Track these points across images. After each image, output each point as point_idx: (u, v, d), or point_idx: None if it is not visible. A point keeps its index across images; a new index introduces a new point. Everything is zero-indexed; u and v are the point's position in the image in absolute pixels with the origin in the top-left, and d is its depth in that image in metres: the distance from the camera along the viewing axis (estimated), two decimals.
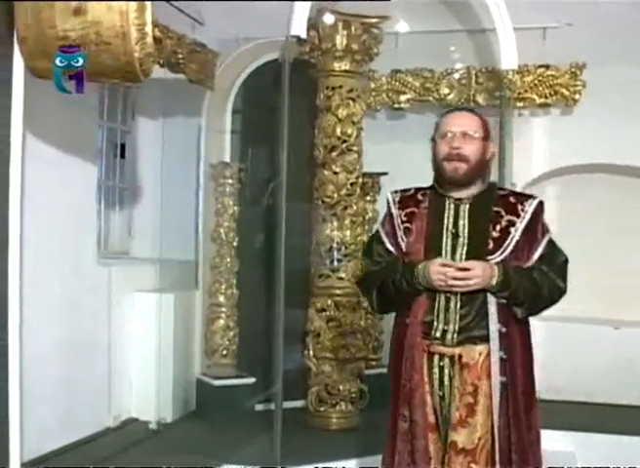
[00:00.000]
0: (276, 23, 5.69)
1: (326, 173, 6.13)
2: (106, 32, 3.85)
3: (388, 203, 3.41)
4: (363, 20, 6.10)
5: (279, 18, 5.62)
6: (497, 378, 3.11)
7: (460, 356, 3.16)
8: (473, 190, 3.22)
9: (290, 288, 5.47)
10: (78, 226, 5.73)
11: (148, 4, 3.82)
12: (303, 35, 5.46)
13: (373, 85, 6.82)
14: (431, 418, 3.23)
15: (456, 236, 3.18)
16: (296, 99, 5.61)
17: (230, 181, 6.69)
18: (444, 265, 3.07)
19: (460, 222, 3.19)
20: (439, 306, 3.17)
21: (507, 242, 3.15)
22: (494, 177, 6.37)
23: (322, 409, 6.16)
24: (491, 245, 3.13)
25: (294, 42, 5.60)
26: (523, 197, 3.28)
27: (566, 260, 3.28)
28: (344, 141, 6.10)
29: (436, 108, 6.78)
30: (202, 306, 6.85)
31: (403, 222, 3.29)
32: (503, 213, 3.18)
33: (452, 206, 3.22)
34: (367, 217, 6.71)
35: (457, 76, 6.77)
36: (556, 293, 3.22)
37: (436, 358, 3.20)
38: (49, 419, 5.17)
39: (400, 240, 3.28)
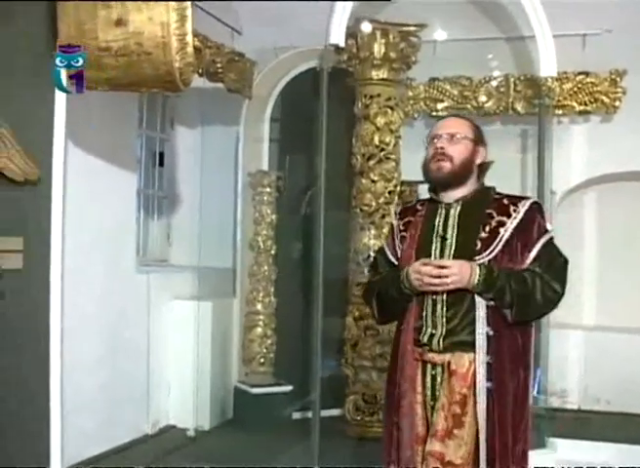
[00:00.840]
0: (314, 32, 5.70)
1: (364, 181, 6.13)
2: (147, 42, 3.90)
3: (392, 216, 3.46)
4: (401, 29, 6.09)
5: (317, 26, 5.63)
6: (482, 384, 3.01)
7: (450, 363, 3.07)
8: (463, 192, 3.18)
9: (327, 296, 5.47)
10: (118, 234, 5.78)
11: (189, 15, 3.85)
12: (342, 44, 5.47)
13: (410, 93, 6.81)
14: (421, 429, 3.13)
15: (444, 239, 3.14)
16: (334, 108, 5.62)
17: (268, 190, 6.73)
18: (424, 264, 3.04)
19: (449, 225, 3.16)
20: (427, 310, 3.12)
21: (496, 242, 3.07)
22: (532, 185, 6.50)
23: (359, 417, 6.14)
24: (478, 245, 3.07)
25: (332, 50, 5.61)
26: (517, 198, 3.20)
27: (565, 262, 3.16)
28: (382, 150, 6.10)
29: (474, 116, 6.75)
30: (240, 314, 6.87)
31: (400, 231, 3.30)
32: (495, 214, 3.12)
33: (443, 211, 3.20)
34: None
35: (495, 84, 6.74)
36: (552, 297, 3.09)
37: (429, 367, 3.13)
38: (89, 425, 5.21)
39: (397, 248, 3.30)
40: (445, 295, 3.07)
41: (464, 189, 3.18)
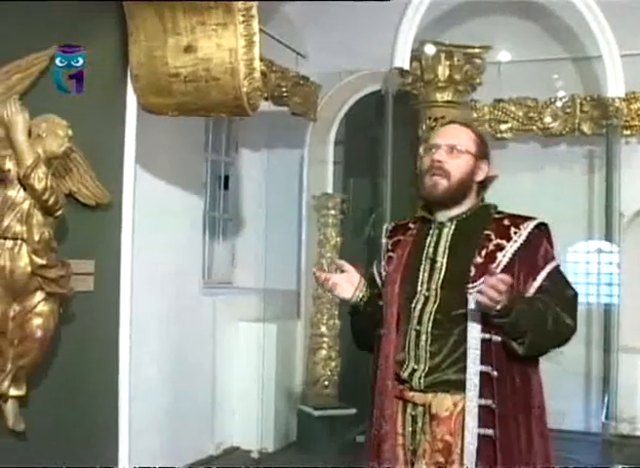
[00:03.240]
0: (377, 55, 5.74)
1: None
2: (216, 68, 3.98)
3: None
4: (465, 51, 6.07)
5: (381, 50, 5.67)
6: (473, 432, 2.59)
7: (430, 405, 2.66)
8: (459, 210, 2.79)
9: None
10: (185, 257, 5.84)
11: (257, 41, 3.90)
12: (406, 67, 5.50)
13: (475, 115, 6.76)
14: None
15: (433, 262, 2.75)
16: (398, 130, 5.63)
17: (333, 212, 6.74)
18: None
19: (440, 247, 2.77)
20: (409, 341, 2.71)
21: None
22: (599, 207, 6.41)
23: None
24: (473, 271, 2.64)
25: (396, 73, 5.62)
26: (520, 219, 2.76)
27: (575, 295, 2.75)
28: None
29: (540, 138, 6.70)
30: (304, 336, 6.88)
31: (388, 251, 2.92)
32: (493, 236, 2.70)
33: (435, 231, 2.80)
34: None
35: (560, 104, 6.66)
36: (564, 331, 2.67)
37: (409, 406, 2.72)
38: (155, 446, 5.25)
39: (383, 270, 2.91)
40: (429, 326, 2.67)
41: (461, 207, 2.78)
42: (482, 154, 2.82)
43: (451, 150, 2.74)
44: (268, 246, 6.56)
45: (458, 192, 2.76)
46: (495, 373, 2.59)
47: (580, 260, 7.09)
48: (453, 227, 2.78)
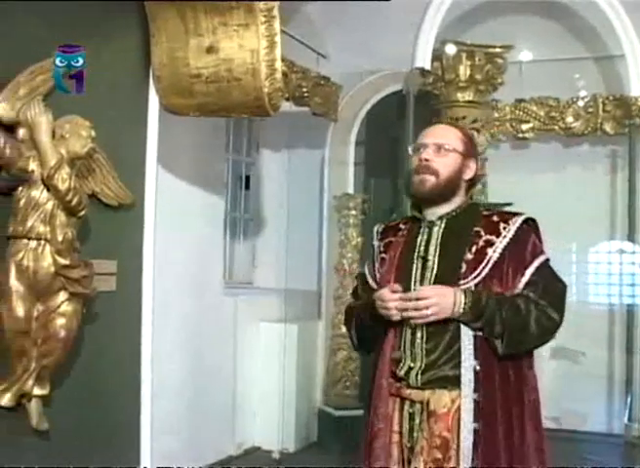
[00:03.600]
0: (398, 55, 5.73)
1: None
2: (237, 69, 3.99)
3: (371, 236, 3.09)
4: (487, 50, 6.05)
5: (401, 50, 5.66)
6: (469, 427, 2.63)
7: (429, 402, 2.70)
8: (448, 209, 2.83)
9: None
10: (206, 257, 5.87)
11: (278, 41, 3.91)
12: (428, 67, 5.49)
13: (496, 114, 6.73)
14: None
15: (425, 261, 2.78)
16: (419, 130, 5.57)
17: (354, 213, 6.74)
18: (393, 291, 2.68)
19: (432, 246, 2.80)
20: (405, 340, 2.75)
21: (483, 264, 2.71)
22: (622, 207, 6.36)
23: None
24: (464, 268, 2.71)
25: (417, 73, 5.61)
26: (508, 215, 2.84)
27: (564, 287, 2.81)
28: None
29: (562, 138, 6.67)
30: (325, 337, 6.88)
31: (380, 253, 2.94)
32: (483, 233, 2.76)
33: (425, 230, 2.84)
34: None
35: (582, 104, 6.61)
36: (548, 326, 2.71)
37: (406, 404, 2.75)
38: (175, 446, 5.26)
39: (377, 272, 2.94)
40: (425, 325, 2.69)
41: (450, 205, 2.84)
42: (469, 153, 2.86)
43: (438, 149, 2.78)
44: (289, 246, 6.57)
45: (446, 189, 2.80)
46: (478, 368, 2.64)
47: (602, 261, 7.05)
48: (443, 226, 2.83)
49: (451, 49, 6.00)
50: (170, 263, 5.05)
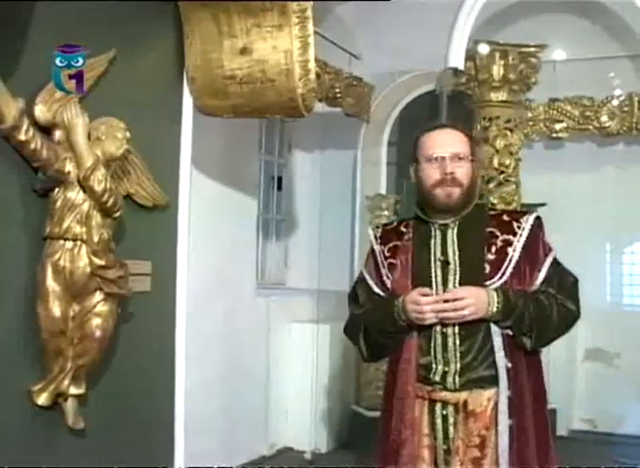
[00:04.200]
0: (431, 55, 5.70)
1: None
2: (271, 70, 4.00)
3: (370, 240, 3.01)
4: (520, 50, 6.00)
5: (434, 50, 5.64)
6: (505, 423, 2.68)
7: (466, 402, 2.71)
8: (463, 212, 2.83)
9: None
10: (239, 257, 5.88)
11: (312, 42, 3.92)
12: (461, 67, 5.46)
13: (530, 114, 6.70)
14: None
15: (445, 264, 2.77)
16: None
17: (386, 213, 6.72)
18: (422, 295, 2.68)
19: (450, 249, 2.79)
20: (435, 344, 2.74)
21: (506, 263, 2.75)
22: None
23: None
24: (487, 269, 2.74)
25: (450, 73, 5.59)
26: (517, 214, 2.93)
27: (576, 281, 2.86)
28: (502, 172, 6.00)
29: (596, 137, 6.61)
30: None
31: (386, 258, 2.89)
32: (498, 232, 2.80)
33: (437, 232, 2.83)
34: None
35: (617, 103, 6.56)
36: (569, 318, 2.80)
37: (438, 406, 2.75)
38: (208, 446, 5.27)
39: (385, 278, 2.88)
40: (457, 328, 2.71)
41: (466, 209, 2.85)
42: (474, 155, 2.86)
43: (456, 159, 2.77)
44: (321, 247, 6.57)
45: (470, 197, 2.83)
46: (509, 365, 2.70)
47: (637, 262, 6.99)
48: (456, 229, 2.83)
49: (484, 48, 5.97)
50: (203, 264, 5.06)
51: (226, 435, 5.59)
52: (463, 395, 2.72)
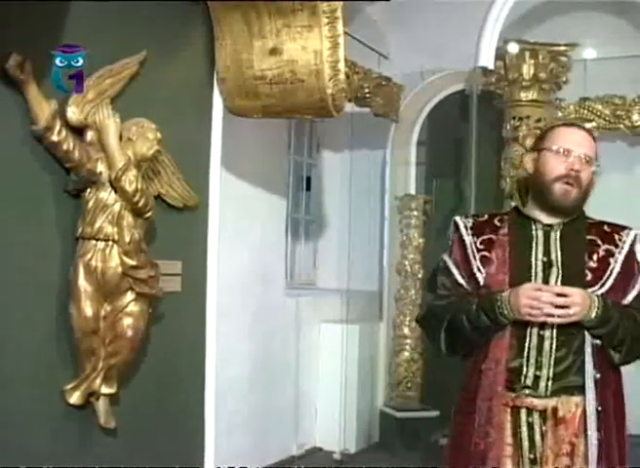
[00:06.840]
0: (460, 55, 5.68)
1: (513, 204, 6.02)
2: (301, 70, 4.00)
3: (457, 228, 2.86)
4: (550, 49, 5.98)
5: (463, 49, 5.62)
6: (594, 435, 2.60)
7: (556, 409, 2.63)
8: (569, 215, 2.77)
9: None
10: (269, 258, 5.89)
11: (341, 42, 3.91)
12: (491, 66, 5.44)
13: (560, 113, 6.63)
14: None
15: (548, 265, 2.70)
16: (482, 130, 5.58)
17: (416, 213, 6.71)
18: (537, 290, 2.58)
19: (552, 250, 2.72)
20: (530, 346, 2.65)
21: (607, 273, 2.69)
22: None
23: None
24: (589, 276, 2.68)
25: (480, 73, 5.56)
26: (617, 227, 2.83)
27: None
28: None
29: (627, 137, 6.55)
30: (386, 338, 6.87)
31: (479, 251, 2.78)
32: (599, 241, 2.74)
33: (540, 232, 2.76)
34: None
35: None
36: None
37: (523, 413, 2.67)
38: (238, 446, 5.30)
39: (476, 270, 2.77)
40: (555, 331, 2.63)
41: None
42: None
43: (585, 160, 2.70)
44: (351, 247, 6.56)
45: (583, 201, 2.78)
46: (598, 376, 2.63)
47: None
48: (559, 232, 2.76)
49: (514, 48, 5.95)
50: (234, 264, 5.08)
51: (256, 435, 5.61)
52: (552, 402, 2.65)
